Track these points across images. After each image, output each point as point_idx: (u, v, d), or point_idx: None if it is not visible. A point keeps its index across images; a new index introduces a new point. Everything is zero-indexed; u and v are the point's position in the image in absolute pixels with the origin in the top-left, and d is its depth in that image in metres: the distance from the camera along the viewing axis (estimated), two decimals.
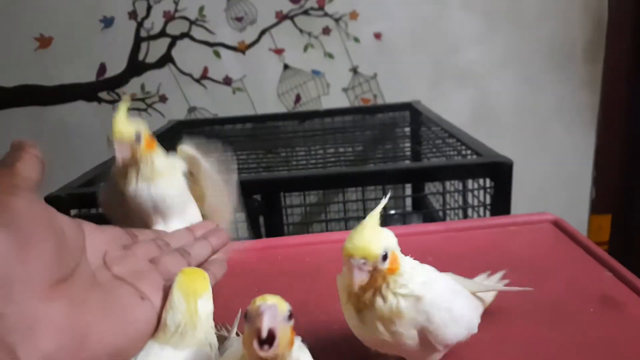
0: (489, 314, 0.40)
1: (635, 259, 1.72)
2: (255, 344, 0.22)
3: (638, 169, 1.64)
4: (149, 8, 1.42)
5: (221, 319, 0.37)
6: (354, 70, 1.50)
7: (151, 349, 0.28)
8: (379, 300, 0.29)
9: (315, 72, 1.50)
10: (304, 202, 0.85)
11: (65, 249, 0.24)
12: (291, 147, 1.36)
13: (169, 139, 1.33)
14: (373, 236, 0.28)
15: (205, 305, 0.28)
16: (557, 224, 0.58)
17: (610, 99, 1.54)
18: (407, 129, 1.37)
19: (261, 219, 0.83)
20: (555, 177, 1.60)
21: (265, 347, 0.22)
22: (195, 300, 0.28)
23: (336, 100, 1.52)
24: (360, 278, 0.28)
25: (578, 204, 1.65)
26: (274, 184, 0.78)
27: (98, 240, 0.29)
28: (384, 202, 0.30)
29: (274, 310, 0.22)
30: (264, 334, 0.22)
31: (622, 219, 1.68)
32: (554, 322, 0.42)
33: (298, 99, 1.52)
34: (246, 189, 0.80)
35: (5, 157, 0.26)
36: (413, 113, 1.36)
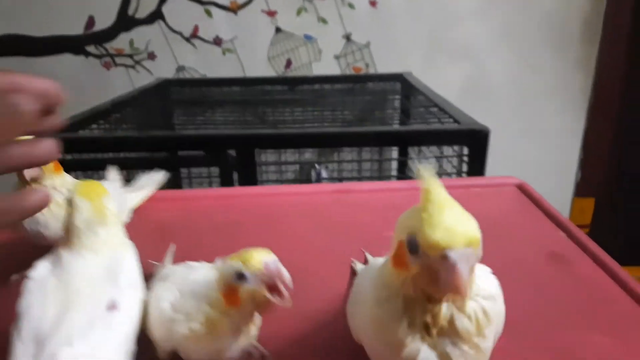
0: None
1: (616, 245, 1.74)
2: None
3: (625, 155, 1.64)
4: None
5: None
6: (347, 38, 1.47)
7: (62, 257, 0.28)
8: (454, 311, 0.22)
9: (308, 37, 1.47)
10: (279, 160, 0.85)
11: None
12: (279, 112, 1.35)
13: (156, 96, 1.32)
14: (467, 216, 0.21)
15: (111, 204, 0.28)
16: (522, 188, 0.58)
17: (604, 82, 1.52)
18: (397, 100, 1.36)
19: (235, 175, 0.82)
20: (542, 158, 1.60)
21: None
22: (99, 198, 0.28)
23: (327, 67, 1.50)
24: (467, 276, 0.20)
25: (562, 186, 1.65)
26: (247, 140, 0.77)
27: None
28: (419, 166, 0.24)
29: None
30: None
31: (605, 204, 1.68)
32: (504, 273, 0.42)
33: (289, 63, 1.50)
34: (221, 144, 0.80)
35: None
36: (404, 84, 1.35)
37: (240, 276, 0.26)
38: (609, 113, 1.56)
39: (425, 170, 0.23)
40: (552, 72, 1.51)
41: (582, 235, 0.47)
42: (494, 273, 0.42)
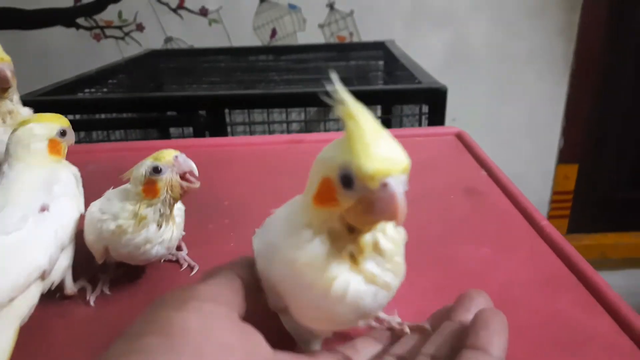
0: None
1: (599, 209, 1.77)
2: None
3: (607, 121, 1.66)
4: None
5: None
6: (331, 6, 1.50)
7: (5, 169, 0.34)
8: (376, 236, 0.23)
9: (292, 7, 1.50)
10: (248, 120, 0.89)
11: None
12: (265, 79, 1.38)
13: (145, 66, 1.36)
14: (396, 143, 0.21)
15: (39, 128, 0.35)
16: (460, 136, 0.62)
17: (585, 49, 1.53)
18: (380, 67, 1.39)
19: (207, 134, 0.87)
20: (525, 125, 1.63)
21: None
22: (29, 122, 0.34)
23: (312, 36, 1.53)
24: (404, 201, 0.20)
25: (546, 153, 1.68)
26: (217, 100, 0.82)
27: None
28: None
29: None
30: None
31: (588, 169, 1.71)
32: (421, 202, 0.47)
33: (274, 33, 1.53)
34: (192, 105, 0.85)
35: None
36: (386, 52, 1.38)
37: (156, 169, 0.32)
38: (591, 79, 1.58)
39: (348, 97, 0.21)
40: (533, 39, 1.52)
41: (502, 175, 0.51)
42: (415, 204, 0.47)
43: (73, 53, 1.51)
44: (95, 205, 0.35)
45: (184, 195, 0.34)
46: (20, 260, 0.30)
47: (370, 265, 0.22)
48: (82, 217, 0.36)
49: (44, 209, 0.32)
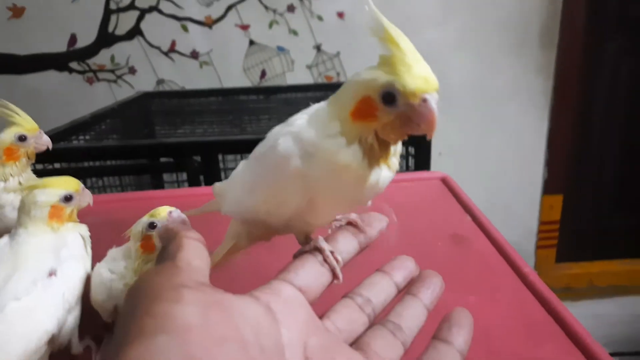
0: None
1: (585, 238, 1.81)
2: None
3: (587, 151, 1.72)
4: None
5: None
6: (318, 48, 1.55)
7: (17, 234, 0.35)
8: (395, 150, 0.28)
9: (280, 49, 1.55)
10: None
11: (257, 350, 0.20)
12: (255, 119, 1.41)
13: (137, 108, 1.39)
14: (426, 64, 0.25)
15: (48, 194, 0.37)
16: (445, 181, 0.65)
17: (563, 84, 1.60)
18: None
19: (202, 179, 0.89)
20: (509, 158, 1.67)
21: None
22: (38, 187, 0.36)
23: (300, 76, 1.57)
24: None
25: (531, 184, 1.72)
26: (210, 146, 0.84)
27: (294, 328, 0.23)
28: None
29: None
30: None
31: (572, 199, 1.76)
32: (410, 249, 0.49)
33: (263, 74, 1.57)
34: (187, 150, 0.87)
35: (164, 250, 0.24)
36: None
37: (152, 225, 0.34)
38: (571, 113, 1.64)
39: (386, 22, 0.25)
40: (512, 76, 1.59)
41: (486, 220, 0.54)
42: (402, 251, 0.49)
43: (66, 96, 1.54)
44: (102, 267, 0.36)
45: None
46: (30, 326, 0.31)
47: (393, 160, 0.28)
48: (88, 277, 0.37)
49: (52, 273, 0.34)
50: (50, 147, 0.48)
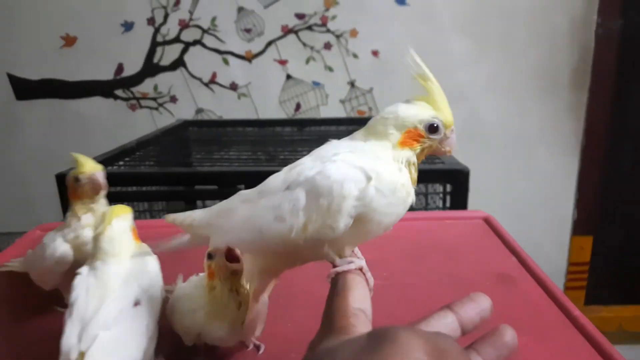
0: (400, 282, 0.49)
1: (615, 281, 1.78)
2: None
3: (618, 193, 1.71)
4: (166, 15, 1.55)
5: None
6: (352, 84, 1.60)
7: (97, 264, 0.38)
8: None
9: (316, 83, 1.61)
10: None
11: None
12: (289, 151, 1.45)
13: (176, 136, 1.45)
14: None
15: (120, 223, 0.39)
16: (487, 221, 0.67)
17: (594, 126, 1.61)
18: None
19: None
20: (539, 198, 1.67)
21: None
22: (111, 218, 0.39)
23: (334, 110, 1.62)
24: None
25: (560, 225, 1.71)
26: (256, 176, 0.88)
27: None
28: None
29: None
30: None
31: (603, 241, 1.74)
32: (457, 288, 0.51)
33: (298, 107, 1.63)
34: (232, 179, 0.91)
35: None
36: None
37: (209, 256, 0.38)
38: (601, 154, 1.64)
39: (423, 66, 0.33)
40: (543, 117, 1.60)
41: (531, 261, 0.56)
42: (448, 289, 0.50)
43: (109, 121, 1.61)
44: (182, 291, 0.39)
45: (236, 276, 0.38)
46: (122, 355, 0.34)
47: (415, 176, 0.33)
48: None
49: (137, 303, 0.36)
50: (104, 186, 0.49)
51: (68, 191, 0.48)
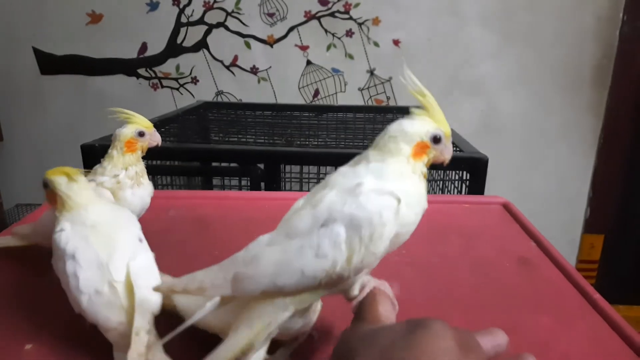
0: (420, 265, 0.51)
1: (624, 280, 1.78)
2: None
3: (633, 193, 1.70)
4: None
5: None
6: (371, 72, 1.61)
7: (74, 216, 0.40)
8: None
9: (335, 70, 1.62)
10: (300, 174, 0.97)
11: None
12: (305, 135, 1.47)
13: (196, 116, 1.47)
14: None
15: (81, 177, 0.42)
16: (506, 206, 0.68)
17: (613, 124, 1.61)
18: None
19: (262, 185, 0.95)
20: (553, 193, 1.68)
21: None
22: (76, 175, 0.42)
23: (352, 98, 1.63)
24: None
25: (572, 222, 1.72)
26: (275, 156, 0.90)
27: None
28: None
29: None
30: None
31: (614, 240, 1.74)
32: (477, 271, 0.52)
33: (317, 93, 1.64)
34: (252, 158, 0.93)
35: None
36: None
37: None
38: (618, 154, 1.64)
39: (419, 83, 0.34)
40: (563, 113, 1.60)
41: (550, 246, 0.57)
42: (468, 269, 0.52)
43: (131, 99, 1.64)
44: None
45: None
46: (154, 277, 0.38)
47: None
48: None
49: (140, 240, 0.40)
50: (160, 144, 0.54)
51: (123, 145, 0.51)
